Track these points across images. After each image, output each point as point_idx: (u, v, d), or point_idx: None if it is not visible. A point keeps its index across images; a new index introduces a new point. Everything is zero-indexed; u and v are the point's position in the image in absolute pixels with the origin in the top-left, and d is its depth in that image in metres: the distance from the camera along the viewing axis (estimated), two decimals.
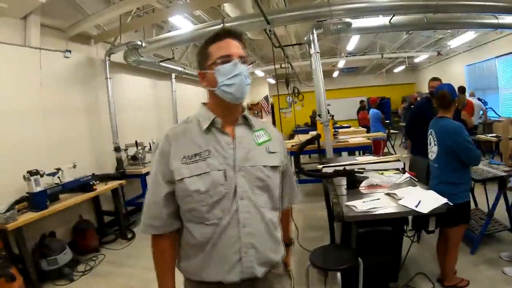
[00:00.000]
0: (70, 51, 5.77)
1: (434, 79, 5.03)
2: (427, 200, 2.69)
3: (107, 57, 6.40)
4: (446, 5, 5.17)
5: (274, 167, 1.41)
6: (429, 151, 3.46)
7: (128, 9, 5.54)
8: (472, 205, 4.92)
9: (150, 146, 6.91)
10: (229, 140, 1.34)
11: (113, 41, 6.71)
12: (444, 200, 2.67)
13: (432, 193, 2.86)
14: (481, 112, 10.09)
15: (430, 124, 3.44)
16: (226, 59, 1.30)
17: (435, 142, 3.27)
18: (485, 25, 7.22)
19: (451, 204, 2.69)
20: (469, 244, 4.20)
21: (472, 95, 10.47)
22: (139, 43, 6.16)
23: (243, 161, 1.32)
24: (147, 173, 6.50)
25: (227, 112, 1.37)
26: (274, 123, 16.86)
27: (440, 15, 5.77)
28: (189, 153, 1.29)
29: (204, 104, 1.45)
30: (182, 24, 6.36)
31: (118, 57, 6.67)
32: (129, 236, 5.71)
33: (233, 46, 1.33)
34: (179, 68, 9.11)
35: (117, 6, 5.36)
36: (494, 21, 7.01)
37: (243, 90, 1.32)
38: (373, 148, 8.48)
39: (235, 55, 1.31)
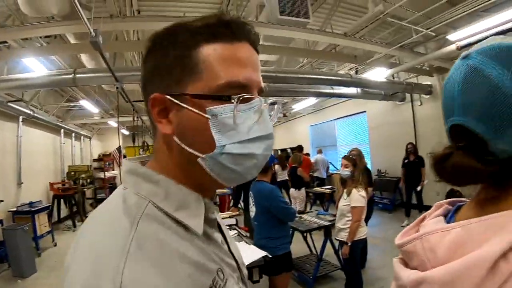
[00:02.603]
0: None
1: None
2: (247, 254, 3.01)
3: None
4: (285, 77, 5.99)
5: None
6: (250, 210, 3.85)
7: None
8: (307, 251, 5.55)
9: None
10: (219, 235, 0.77)
11: None
12: (263, 253, 3.04)
13: (252, 248, 3.21)
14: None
15: (250, 186, 3.83)
16: (244, 92, 0.64)
17: (253, 203, 3.67)
18: (322, 94, 8.57)
19: (271, 256, 3.05)
20: (306, 286, 4.72)
21: (319, 151, 11.89)
22: None
23: (242, 264, 0.82)
24: None
25: (207, 190, 0.71)
26: None
27: (281, 84, 6.56)
28: None
29: (148, 167, 0.70)
30: (35, 67, 6.06)
31: None
32: None
33: (256, 66, 0.69)
34: (28, 111, 8.26)
35: None
36: (330, 90, 8.38)
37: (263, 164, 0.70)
38: (220, 204, 8.37)
39: (258, 87, 0.68)
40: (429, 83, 8.92)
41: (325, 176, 11.02)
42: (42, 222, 7.46)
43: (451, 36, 6.03)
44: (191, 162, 0.64)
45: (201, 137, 0.63)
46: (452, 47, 6.07)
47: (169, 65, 0.64)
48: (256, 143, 0.65)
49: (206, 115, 0.62)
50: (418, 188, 7.76)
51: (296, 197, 8.00)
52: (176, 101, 0.63)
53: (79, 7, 3.26)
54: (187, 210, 0.64)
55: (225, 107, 0.62)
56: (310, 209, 8.88)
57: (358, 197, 3.81)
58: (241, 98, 0.62)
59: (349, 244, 3.84)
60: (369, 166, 8.27)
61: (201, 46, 0.63)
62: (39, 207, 7.56)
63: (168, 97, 0.63)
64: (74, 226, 9.76)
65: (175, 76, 0.63)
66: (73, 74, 5.57)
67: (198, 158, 0.63)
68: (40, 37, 5.78)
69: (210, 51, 0.63)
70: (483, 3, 5.04)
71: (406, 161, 8.16)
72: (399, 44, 6.61)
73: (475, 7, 5.18)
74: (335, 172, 11.48)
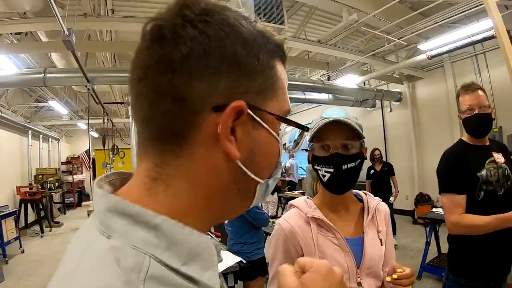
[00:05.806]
0: None
1: None
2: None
3: None
4: None
5: None
6: None
7: None
8: None
9: None
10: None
11: None
12: (237, 259, 3.01)
13: (227, 253, 3.17)
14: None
15: None
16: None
17: None
18: (294, 100, 8.60)
19: (245, 261, 3.04)
20: None
21: (291, 156, 11.91)
22: None
23: None
24: None
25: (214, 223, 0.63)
26: (95, 178, 15.70)
27: None
28: None
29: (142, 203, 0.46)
30: (4, 65, 5.86)
31: None
32: None
33: None
34: None
35: None
36: (302, 96, 8.47)
37: None
38: None
39: None
40: (399, 90, 9.20)
41: (297, 181, 11.09)
42: (9, 228, 7.09)
43: (422, 46, 6.24)
44: (243, 191, 0.54)
45: (269, 162, 0.55)
46: (423, 56, 6.30)
47: (253, 68, 0.50)
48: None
49: (278, 138, 0.55)
50: (391, 200, 6.64)
51: (269, 201, 8.05)
52: (257, 118, 0.50)
53: (53, 4, 3.18)
54: (200, 261, 0.47)
55: (281, 131, 0.56)
56: (282, 213, 8.94)
57: None
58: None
59: None
60: None
61: (277, 62, 0.55)
62: (5, 212, 7.17)
63: (249, 111, 0.49)
64: (42, 231, 9.34)
65: (257, 85, 0.50)
66: (43, 74, 5.41)
67: (258, 184, 0.54)
68: (10, 34, 5.59)
69: (282, 71, 0.56)
70: (454, 15, 5.26)
71: (372, 171, 6.89)
72: (372, 52, 6.78)
73: (445, 19, 5.39)
74: (304, 176, 11.61)
